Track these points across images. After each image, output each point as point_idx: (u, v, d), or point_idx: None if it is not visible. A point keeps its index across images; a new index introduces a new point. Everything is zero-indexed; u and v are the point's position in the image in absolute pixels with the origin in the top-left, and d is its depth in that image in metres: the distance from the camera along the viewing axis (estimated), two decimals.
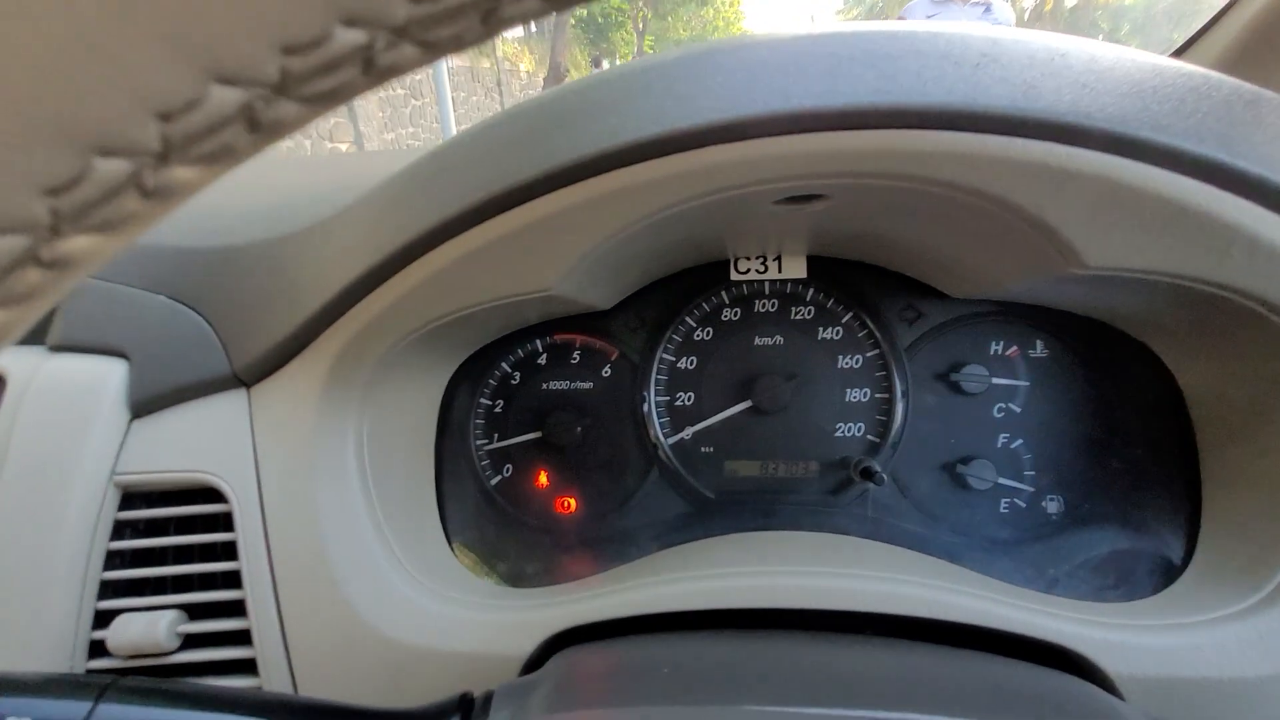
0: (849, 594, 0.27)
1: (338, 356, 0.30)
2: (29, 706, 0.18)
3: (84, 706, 0.18)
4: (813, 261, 0.38)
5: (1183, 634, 0.25)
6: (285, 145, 5.77)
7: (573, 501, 0.40)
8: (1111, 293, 0.29)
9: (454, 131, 6.21)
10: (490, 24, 0.08)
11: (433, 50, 0.08)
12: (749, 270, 0.38)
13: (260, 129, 0.08)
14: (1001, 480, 0.36)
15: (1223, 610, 0.26)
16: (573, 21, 10.41)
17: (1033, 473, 0.36)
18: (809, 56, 0.22)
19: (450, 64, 6.99)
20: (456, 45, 0.08)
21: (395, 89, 7.15)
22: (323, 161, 0.56)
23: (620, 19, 12.99)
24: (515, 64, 10.39)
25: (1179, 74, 0.22)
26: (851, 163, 0.22)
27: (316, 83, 0.07)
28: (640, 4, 12.92)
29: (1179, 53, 0.53)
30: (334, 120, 5.91)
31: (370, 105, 6.43)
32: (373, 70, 0.08)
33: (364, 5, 0.07)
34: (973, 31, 0.22)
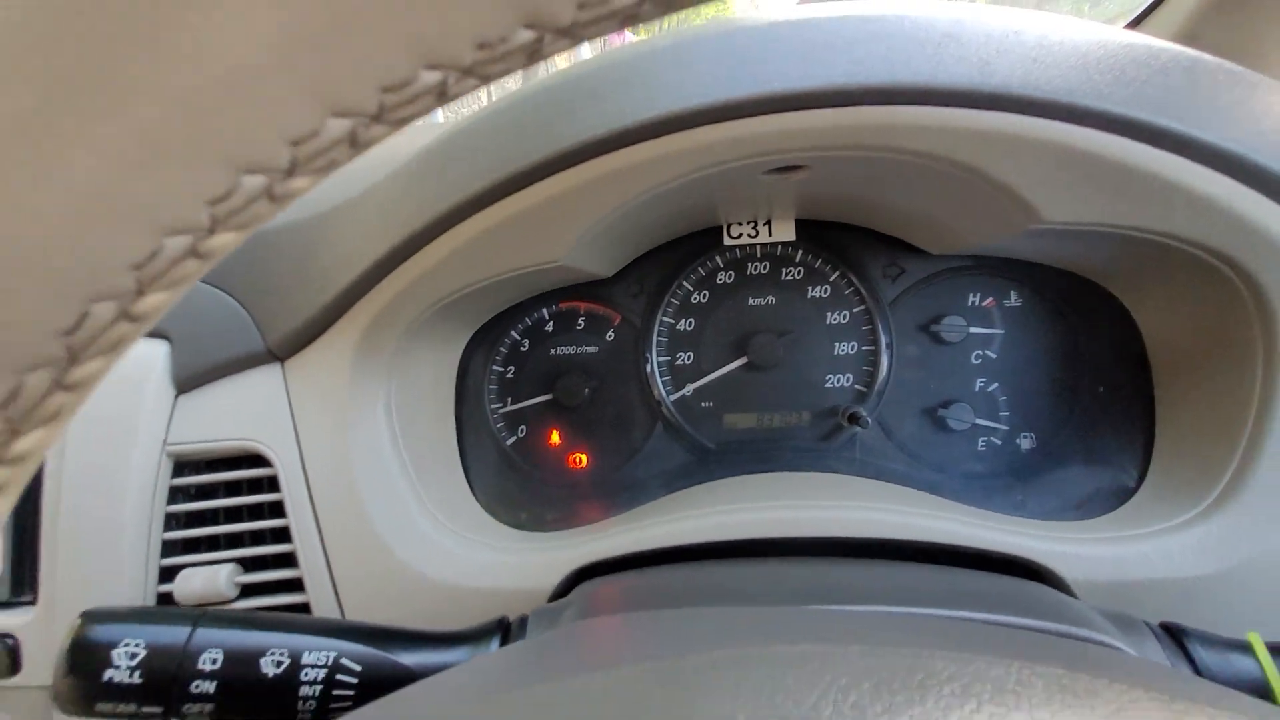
0: (836, 523, 0.30)
1: (366, 329, 0.32)
2: (139, 631, 0.21)
3: (184, 631, 0.21)
4: (801, 225, 0.40)
5: (1133, 544, 0.29)
6: None
7: (584, 457, 0.43)
8: (1074, 245, 0.32)
9: (441, 120, 6.13)
10: (625, 18, 0.10)
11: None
12: (741, 235, 0.40)
13: (358, 146, 0.10)
14: (978, 421, 0.39)
15: (1168, 523, 0.29)
16: None
17: (1007, 413, 0.39)
18: (788, 41, 0.24)
19: None
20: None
21: None
22: None
23: None
24: None
25: (1122, 45, 0.24)
26: (829, 137, 0.25)
27: (405, 110, 0.10)
28: None
29: (1141, 18, 0.55)
30: None
31: None
32: (446, 97, 0.10)
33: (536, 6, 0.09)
34: (938, 12, 0.25)
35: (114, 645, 0.21)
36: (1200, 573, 0.28)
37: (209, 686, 0.21)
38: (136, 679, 0.21)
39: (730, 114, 0.24)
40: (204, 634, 0.22)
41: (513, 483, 0.42)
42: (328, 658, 0.22)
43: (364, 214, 0.32)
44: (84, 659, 0.21)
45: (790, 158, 0.26)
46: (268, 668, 0.22)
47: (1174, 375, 0.33)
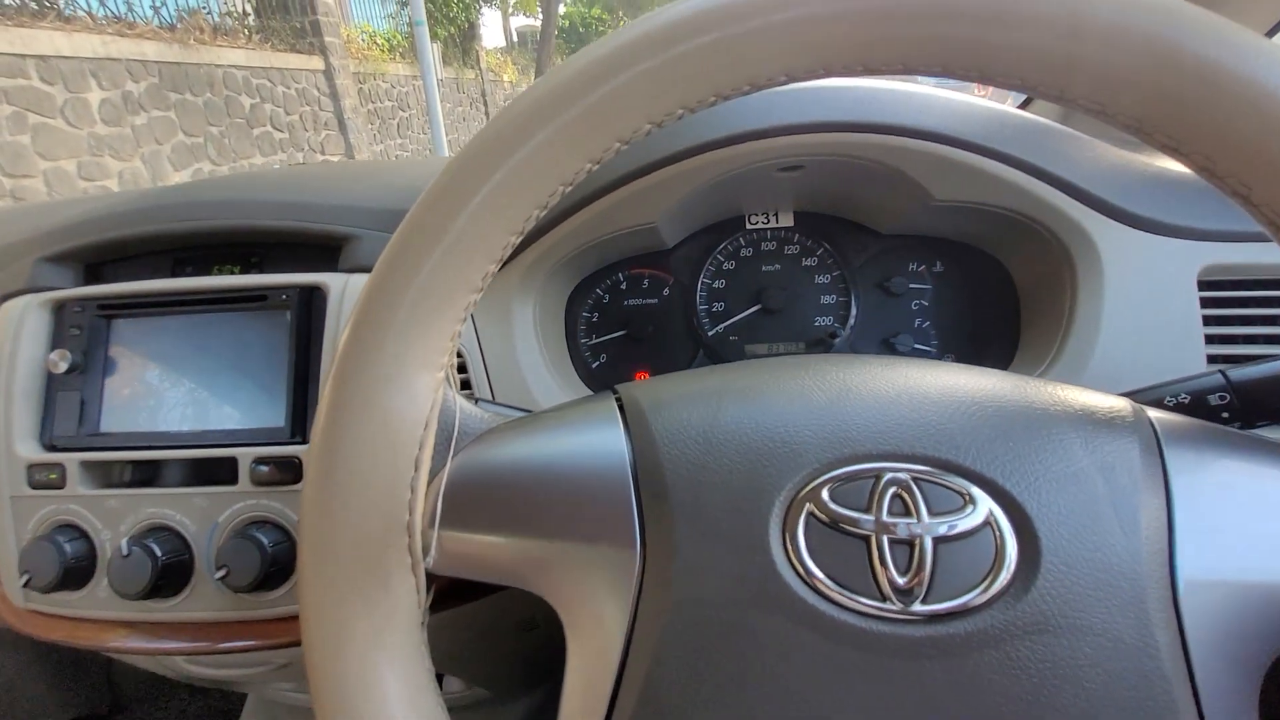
0: None
1: (527, 269, 0.51)
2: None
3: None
4: (798, 216, 0.60)
5: None
6: (278, 158, 5.85)
7: (646, 375, 0.61)
8: (966, 221, 0.52)
9: (444, 140, 6.36)
10: None
11: None
12: (756, 222, 0.60)
13: None
14: (916, 345, 0.58)
15: None
16: (556, 32, 10.62)
17: (936, 341, 0.58)
18: (803, 91, 0.44)
19: (437, 76, 7.11)
20: None
21: (384, 101, 7.27)
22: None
23: (600, 28, 13.20)
24: (499, 75, 10.50)
25: (999, 112, 0.44)
26: (819, 148, 0.45)
27: None
28: (620, 14, 13.14)
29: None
30: (324, 133, 6.02)
31: (359, 119, 6.52)
32: None
33: None
34: (896, 86, 0.45)
35: None
36: None
37: None
38: None
39: (765, 134, 0.44)
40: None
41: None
42: None
43: None
44: None
45: (795, 159, 0.46)
46: None
47: (1030, 305, 0.53)
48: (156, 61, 4.14)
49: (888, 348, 0.59)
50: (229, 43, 4.79)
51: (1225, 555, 0.22)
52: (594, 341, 0.62)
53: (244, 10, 5.40)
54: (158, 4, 4.39)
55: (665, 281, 0.62)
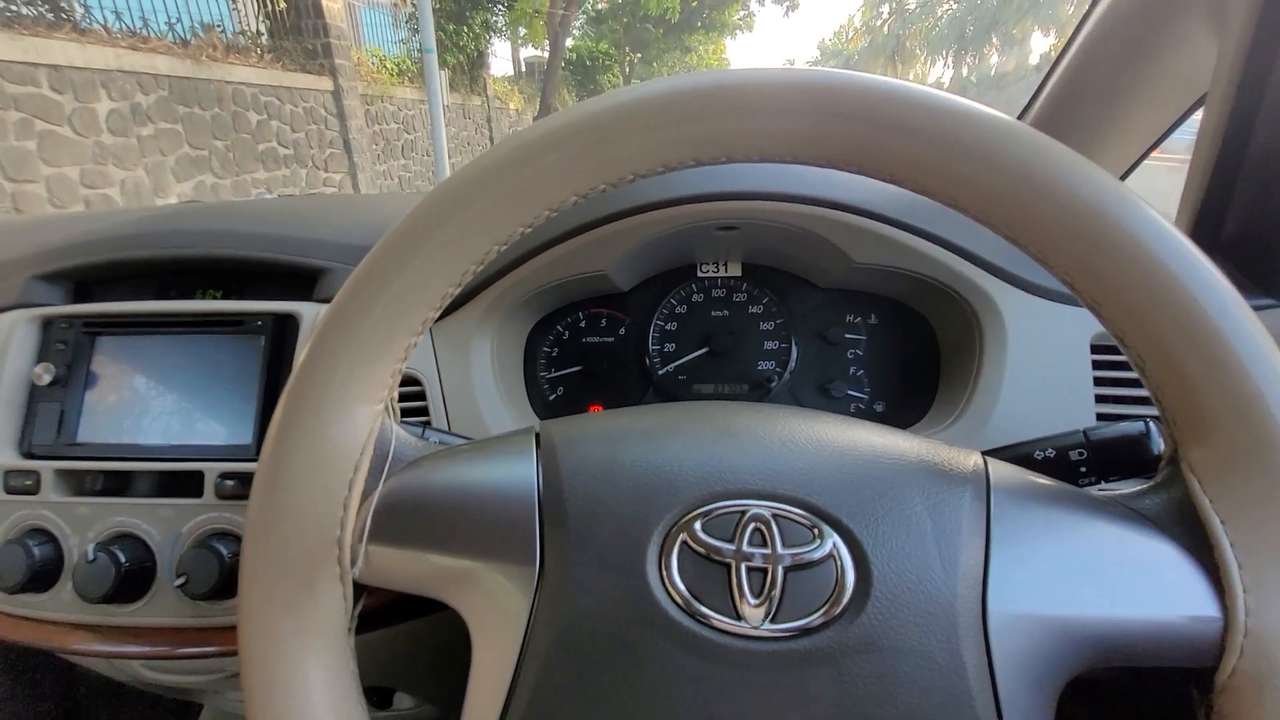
0: None
1: (487, 308, 0.55)
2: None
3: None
4: (745, 267, 0.65)
5: None
6: (281, 174, 5.91)
7: (599, 409, 0.65)
8: (889, 282, 0.56)
9: (448, 163, 6.47)
10: None
11: None
12: (708, 270, 0.64)
13: None
14: (850, 392, 0.62)
15: (932, 431, 0.52)
16: (562, 65, 10.89)
17: (869, 388, 0.63)
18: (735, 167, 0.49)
19: (444, 102, 7.26)
20: None
21: (390, 123, 7.40)
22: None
23: (608, 63, 13.53)
24: (505, 102, 10.71)
25: None
26: (750, 211, 0.49)
27: None
28: (627, 49, 13.50)
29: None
30: (329, 151, 6.11)
31: (364, 139, 6.63)
32: None
33: None
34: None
35: None
36: None
37: None
38: None
39: (706, 198, 0.49)
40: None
41: None
42: None
43: None
44: None
45: (731, 221, 0.51)
46: None
47: (948, 360, 0.57)
48: (168, 75, 4.23)
49: (824, 393, 0.63)
50: (241, 60, 4.90)
51: (1031, 592, 0.26)
52: (553, 375, 0.65)
53: (258, 30, 5.53)
54: (173, 20, 4.51)
55: (622, 321, 0.66)
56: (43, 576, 0.50)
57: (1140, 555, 0.26)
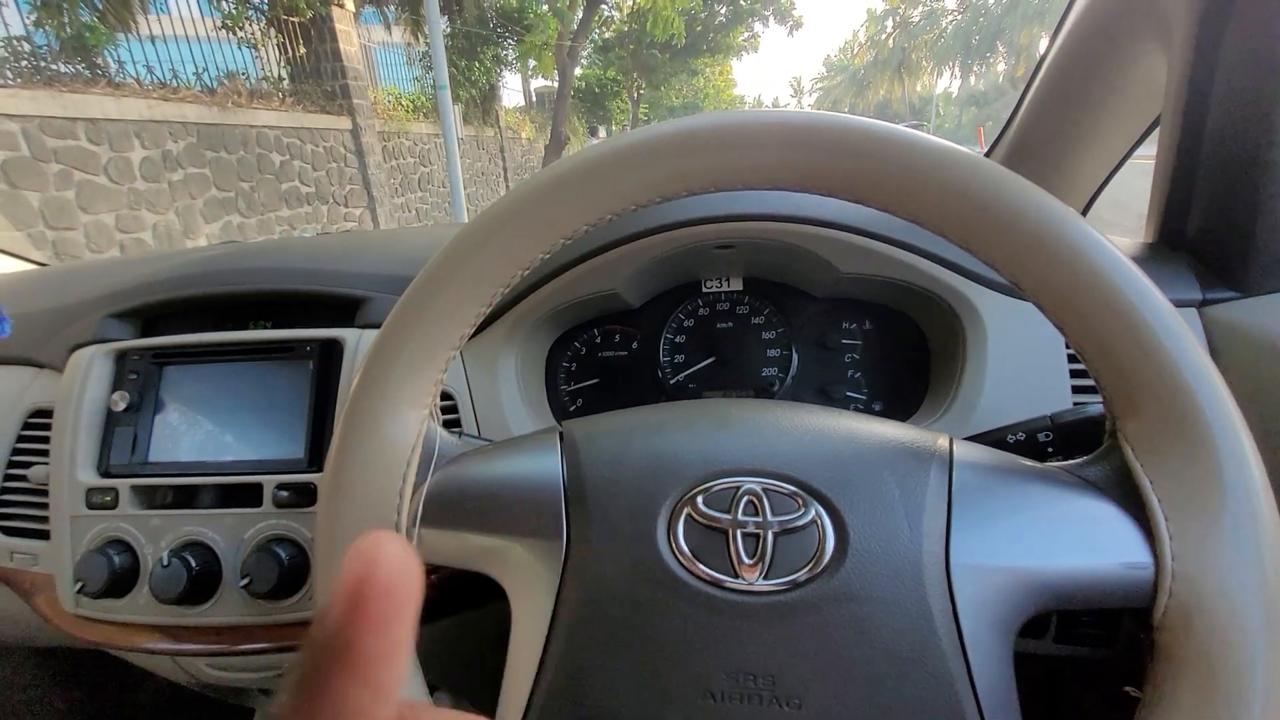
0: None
1: (511, 326, 0.61)
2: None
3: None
4: (747, 280, 0.70)
5: None
6: (304, 210, 6.09)
7: None
8: (877, 289, 0.61)
9: (463, 194, 6.63)
10: None
11: None
12: (712, 286, 0.70)
13: None
14: (849, 394, 0.67)
15: (926, 422, 0.56)
16: (572, 93, 11.13)
17: (866, 390, 0.67)
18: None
19: (458, 135, 7.45)
20: None
21: (407, 158, 7.60)
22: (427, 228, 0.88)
23: (616, 89, 13.79)
24: (517, 132, 10.93)
25: None
26: (743, 231, 0.55)
27: None
28: (635, 75, 13.76)
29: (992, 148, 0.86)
30: (349, 187, 6.30)
31: (382, 174, 6.81)
32: None
33: None
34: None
35: None
36: None
37: None
38: None
39: (703, 220, 0.54)
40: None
41: None
42: None
43: None
44: None
45: (727, 240, 0.56)
46: None
47: (937, 360, 0.62)
48: (196, 123, 4.44)
49: (824, 395, 0.67)
50: (264, 104, 5.12)
51: (989, 546, 0.30)
52: (572, 388, 0.71)
53: (279, 75, 5.77)
54: (200, 70, 4.74)
55: (634, 336, 0.71)
56: (122, 582, 0.56)
57: (1082, 513, 0.30)
